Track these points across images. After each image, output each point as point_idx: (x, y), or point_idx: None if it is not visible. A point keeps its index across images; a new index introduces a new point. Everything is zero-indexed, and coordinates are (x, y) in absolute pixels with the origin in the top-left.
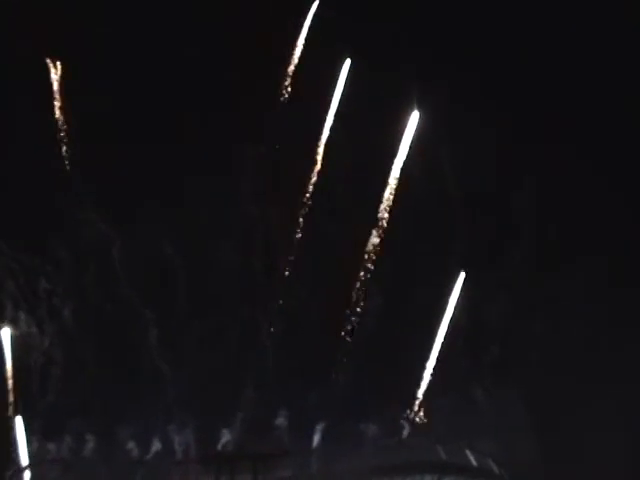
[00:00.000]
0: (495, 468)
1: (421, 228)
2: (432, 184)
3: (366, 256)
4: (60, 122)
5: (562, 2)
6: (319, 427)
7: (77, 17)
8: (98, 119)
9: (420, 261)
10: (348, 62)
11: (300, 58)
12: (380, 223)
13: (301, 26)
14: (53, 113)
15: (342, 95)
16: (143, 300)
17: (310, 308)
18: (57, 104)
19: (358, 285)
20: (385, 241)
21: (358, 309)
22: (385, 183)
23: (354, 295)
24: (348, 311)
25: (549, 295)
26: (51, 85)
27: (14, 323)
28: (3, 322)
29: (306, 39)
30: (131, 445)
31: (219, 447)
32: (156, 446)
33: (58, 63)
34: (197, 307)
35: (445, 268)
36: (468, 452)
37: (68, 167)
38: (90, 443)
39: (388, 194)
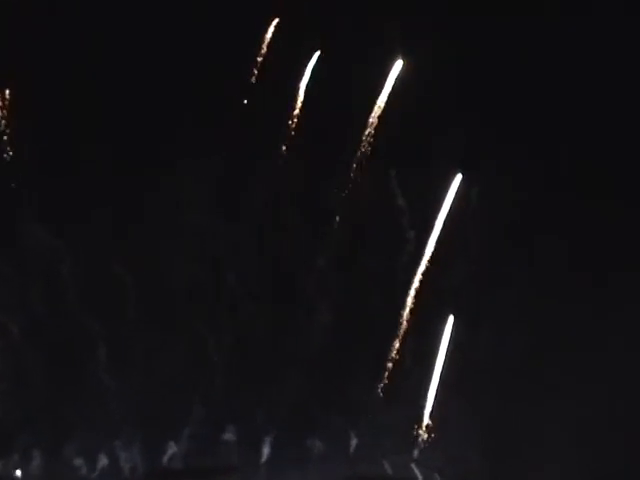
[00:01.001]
0: None
1: (370, 245)
2: None
3: (314, 271)
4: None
5: None
6: (266, 442)
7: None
8: (44, 128)
9: (370, 275)
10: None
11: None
12: (327, 240)
13: None
14: None
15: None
16: (91, 315)
17: (258, 323)
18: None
19: (306, 300)
20: (333, 257)
21: (306, 324)
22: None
23: (302, 310)
24: (296, 326)
25: (492, 306)
26: None
27: None
28: None
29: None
30: (78, 462)
31: (165, 463)
32: (103, 462)
33: None
34: (145, 322)
35: (395, 283)
36: (414, 466)
37: (14, 179)
38: (37, 460)
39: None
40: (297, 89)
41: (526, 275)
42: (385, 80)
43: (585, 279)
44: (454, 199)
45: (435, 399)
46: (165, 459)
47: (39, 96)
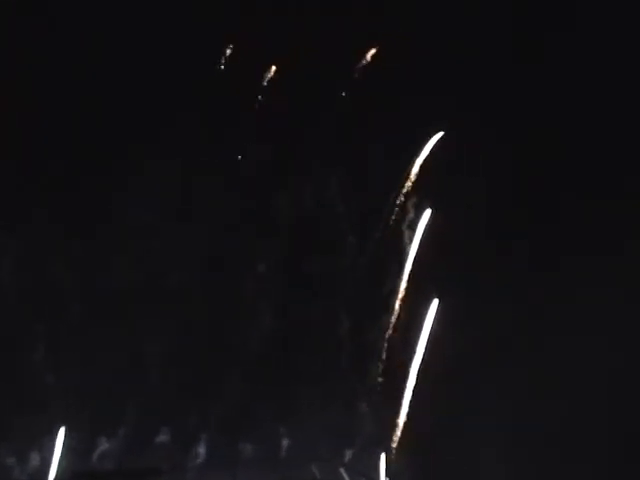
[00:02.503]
0: None
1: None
2: None
3: (257, 273)
4: None
5: None
6: (199, 445)
7: None
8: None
9: (311, 278)
10: None
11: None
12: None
13: None
14: None
15: None
16: (30, 314)
17: (196, 324)
18: None
19: (246, 302)
20: (275, 260)
21: (245, 326)
22: None
23: (242, 312)
24: (234, 328)
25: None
26: None
27: None
28: None
29: None
30: (10, 462)
31: (97, 463)
32: (34, 461)
33: None
34: (83, 323)
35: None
36: (342, 471)
37: None
38: None
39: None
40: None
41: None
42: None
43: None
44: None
45: (369, 404)
46: (97, 459)
47: None
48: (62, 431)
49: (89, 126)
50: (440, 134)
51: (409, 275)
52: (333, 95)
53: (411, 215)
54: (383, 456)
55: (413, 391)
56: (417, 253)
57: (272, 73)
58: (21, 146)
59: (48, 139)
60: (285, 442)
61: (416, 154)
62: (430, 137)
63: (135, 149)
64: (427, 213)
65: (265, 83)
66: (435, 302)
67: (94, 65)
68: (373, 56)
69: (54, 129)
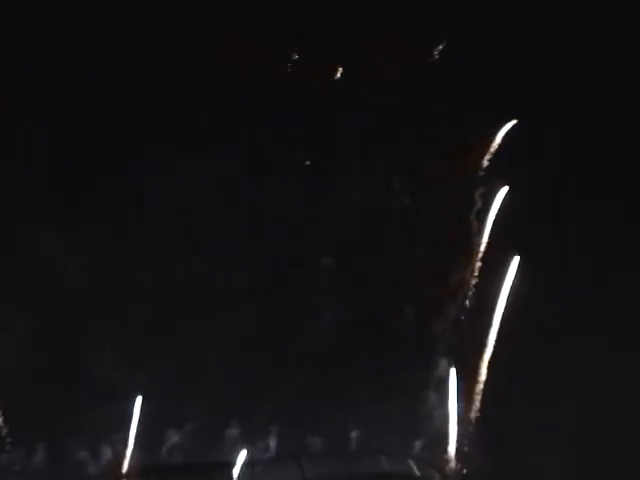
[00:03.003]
0: (439, 478)
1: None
2: None
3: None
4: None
5: None
6: (268, 438)
7: None
8: (44, 128)
9: (375, 272)
10: None
11: None
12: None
13: None
14: None
15: None
16: (95, 314)
17: (262, 321)
18: None
19: (313, 297)
20: (337, 256)
21: (311, 321)
22: None
23: (308, 307)
24: (304, 324)
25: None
26: None
27: None
28: None
29: None
30: (82, 456)
31: (166, 458)
32: (106, 455)
33: None
34: (148, 321)
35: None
36: (411, 462)
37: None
38: (41, 454)
39: None
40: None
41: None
42: None
43: None
44: None
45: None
46: (166, 453)
47: (40, 95)
48: (133, 426)
49: (145, 131)
50: (507, 125)
51: (477, 265)
52: (396, 88)
53: (478, 205)
54: (452, 447)
55: (485, 380)
56: (486, 243)
57: (330, 74)
58: (77, 149)
59: (105, 143)
60: (354, 434)
61: (481, 144)
62: (495, 127)
63: (192, 153)
64: (496, 202)
65: (318, 85)
66: (504, 292)
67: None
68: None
69: (108, 132)
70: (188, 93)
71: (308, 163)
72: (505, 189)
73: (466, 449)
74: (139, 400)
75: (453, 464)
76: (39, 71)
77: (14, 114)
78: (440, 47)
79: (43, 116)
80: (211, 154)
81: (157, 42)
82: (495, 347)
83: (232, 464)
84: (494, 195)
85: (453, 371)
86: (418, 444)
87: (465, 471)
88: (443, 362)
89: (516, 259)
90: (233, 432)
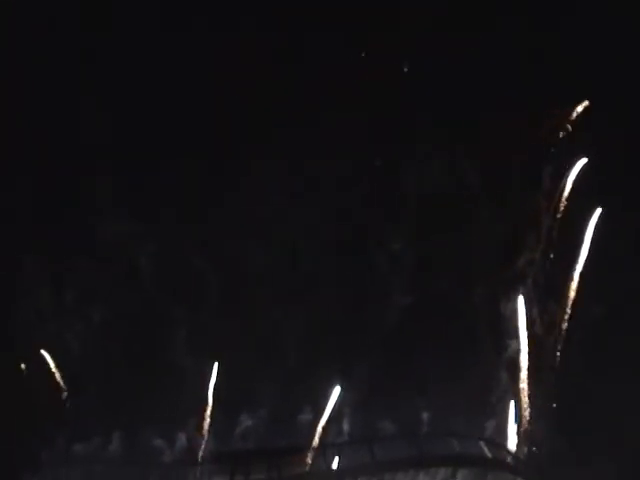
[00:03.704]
0: (510, 460)
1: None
2: None
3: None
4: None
5: None
6: (337, 423)
7: None
8: (124, 117)
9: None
10: None
11: None
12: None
13: None
14: None
15: None
16: (170, 301)
17: (331, 305)
18: None
19: (382, 283)
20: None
21: (378, 307)
22: None
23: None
24: (367, 309)
25: None
26: None
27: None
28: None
29: None
30: (157, 443)
31: (239, 443)
32: (181, 442)
33: None
34: (222, 307)
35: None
36: (482, 444)
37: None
38: (117, 442)
39: None
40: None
41: None
42: None
43: None
44: None
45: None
46: (239, 440)
47: (122, 90)
48: (207, 412)
49: (223, 127)
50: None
51: (546, 245)
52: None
53: (547, 184)
54: (524, 429)
55: (557, 362)
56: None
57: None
58: (157, 140)
59: (185, 135)
60: (424, 417)
61: (549, 123)
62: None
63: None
64: (567, 181)
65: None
66: (576, 272)
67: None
68: None
69: (189, 124)
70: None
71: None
72: (576, 166)
73: (537, 431)
74: (212, 386)
75: (524, 446)
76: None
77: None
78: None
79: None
80: (280, 141)
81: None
82: (567, 329)
83: (305, 449)
84: (563, 175)
85: (525, 352)
86: (489, 426)
87: (537, 452)
88: (514, 343)
89: (586, 244)
90: (306, 417)
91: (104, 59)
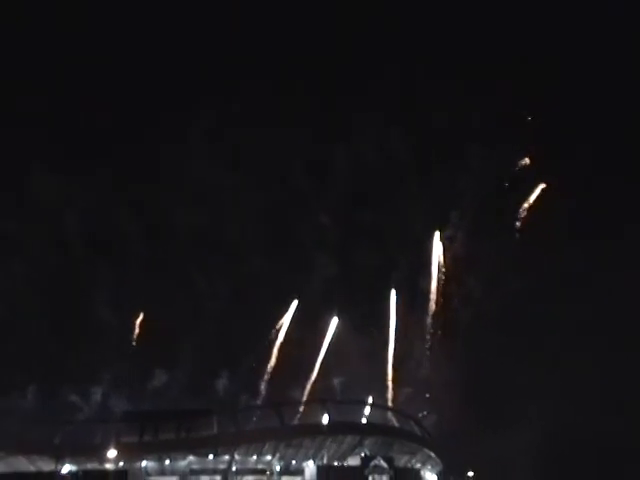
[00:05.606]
0: (417, 430)
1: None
2: None
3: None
4: None
5: None
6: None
7: None
8: None
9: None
10: None
11: None
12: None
13: None
14: None
15: None
16: (92, 258)
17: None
18: None
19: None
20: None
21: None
22: None
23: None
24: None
25: None
26: None
27: None
28: None
29: None
30: (73, 399)
31: (154, 404)
32: (97, 396)
33: None
34: (151, 268)
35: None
36: (390, 414)
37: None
38: (32, 395)
39: None
40: None
41: None
42: None
43: None
44: None
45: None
46: (153, 398)
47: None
48: (122, 370)
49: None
50: None
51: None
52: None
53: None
54: (431, 399)
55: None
56: None
57: None
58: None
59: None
60: (335, 384)
61: None
62: None
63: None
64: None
65: None
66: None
67: None
68: None
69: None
70: None
71: None
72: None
73: (444, 402)
74: (131, 343)
75: (431, 416)
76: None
77: None
78: None
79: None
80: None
81: None
82: (481, 304)
83: (216, 412)
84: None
85: (437, 326)
86: (399, 396)
87: (442, 422)
88: (427, 318)
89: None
90: (221, 381)
91: None
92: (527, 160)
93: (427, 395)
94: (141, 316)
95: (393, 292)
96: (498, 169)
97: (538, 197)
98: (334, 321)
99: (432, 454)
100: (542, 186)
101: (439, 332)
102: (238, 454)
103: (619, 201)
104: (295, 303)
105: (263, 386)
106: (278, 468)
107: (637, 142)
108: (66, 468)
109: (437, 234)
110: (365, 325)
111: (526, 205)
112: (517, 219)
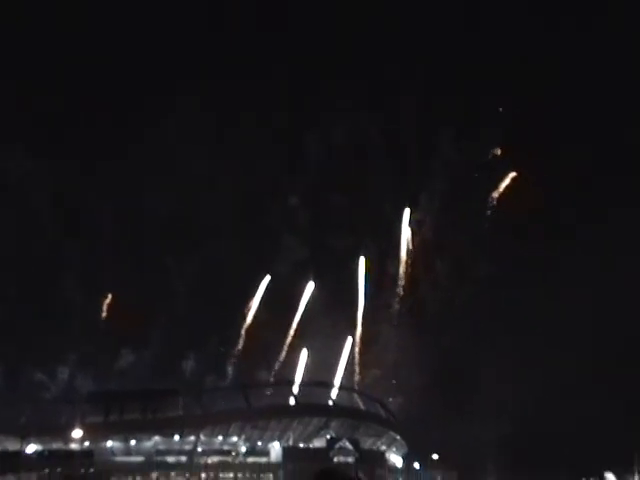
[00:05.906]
0: (383, 412)
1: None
2: None
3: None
4: None
5: None
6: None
7: None
8: None
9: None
10: None
11: None
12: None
13: None
14: None
15: None
16: (64, 239)
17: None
18: None
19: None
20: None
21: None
22: None
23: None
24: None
25: None
26: None
27: None
28: None
29: None
30: (41, 378)
31: (120, 384)
32: (63, 375)
33: None
34: (121, 249)
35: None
36: (357, 396)
37: None
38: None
39: None
40: None
41: None
42: None
43: None
44: None
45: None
46: (119, 378)
47: None
48: (89, 348)
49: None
50: None
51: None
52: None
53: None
54: (397, 383)
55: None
56: None
57: None
58: None
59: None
60: (302, 366)
61: None
62: None
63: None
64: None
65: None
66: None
67: None
68: None
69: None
70: None
71: None
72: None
73: (410, 386)
74: (99, 322)
75: (397, 400)
76: None
77: None
78: None
79: None
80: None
81: None
82: (445, 291)
83: (182, 393)
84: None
85: (405, 309)
86: (366, 378)
87: (409, 406)
88: (396, 303)
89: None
90: (188, 363)
91: None
92: (498, 150)
93: (394, 381)
94: (109, 297)
95: (362, 274)
96: (468, 156)
97: (508, 185)
98: (306, 293)
99: (397, 437)
100: (513, 175)
101: (407, 316)
102: (204, 435)
103: (588, 189)
104: (265, 282)
105: (230, 368)
106: (244, 449)
107: (606, 135)
108: (31, 448)
109: (406, 214)
110: (333, 305)
111: (496, 194)
112: (487, 207)
